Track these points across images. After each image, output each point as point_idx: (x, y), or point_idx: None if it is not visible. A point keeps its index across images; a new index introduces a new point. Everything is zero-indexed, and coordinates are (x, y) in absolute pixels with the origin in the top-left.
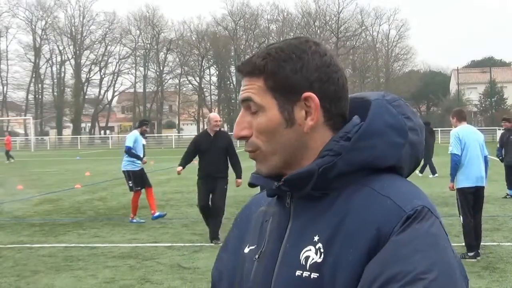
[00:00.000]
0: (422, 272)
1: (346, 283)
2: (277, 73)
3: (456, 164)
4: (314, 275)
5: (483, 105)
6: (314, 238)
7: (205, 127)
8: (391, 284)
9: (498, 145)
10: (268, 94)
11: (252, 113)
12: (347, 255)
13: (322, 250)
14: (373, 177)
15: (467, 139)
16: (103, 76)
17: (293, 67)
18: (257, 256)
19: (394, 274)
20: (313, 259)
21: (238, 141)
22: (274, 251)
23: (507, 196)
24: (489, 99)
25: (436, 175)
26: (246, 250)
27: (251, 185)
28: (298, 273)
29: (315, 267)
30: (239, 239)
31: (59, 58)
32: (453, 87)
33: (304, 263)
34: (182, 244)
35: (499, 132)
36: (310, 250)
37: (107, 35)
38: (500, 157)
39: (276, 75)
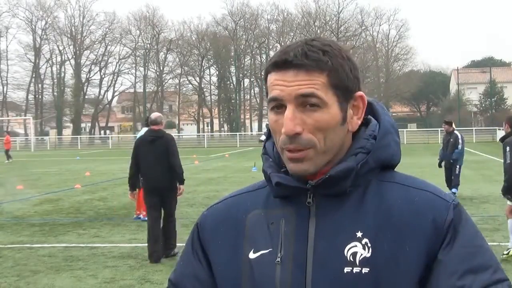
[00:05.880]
0: (496, 262)
1: (407, 272)
2: (339, 70)
3: None
4: (365, 269)
5: (483, 105)
6: (357, 234)
7: (205, 127)
8: (479, 275)
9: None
10: (330, 90)
11: (307, 109)
12: (403, 247)
13: (369, 245)
14: (387, 174)
15: None
16: (103, 76)
17: (348, 66)
18: (279, 260)
19: (477, 266)
20: (361, 254)
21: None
22: (299, 252)
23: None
24: (489, 99)
25: None
26: (254, 255)
27: (281, 185)
28: (347, 269)
29: (365, 262)
30: (231, 245)
31: (59, 58)
32: (453, 87)
33: (352, 259)
34: (182, 244)
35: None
36: (356, 246)
37: (107, 35)
38: None
39: (339, 72)
